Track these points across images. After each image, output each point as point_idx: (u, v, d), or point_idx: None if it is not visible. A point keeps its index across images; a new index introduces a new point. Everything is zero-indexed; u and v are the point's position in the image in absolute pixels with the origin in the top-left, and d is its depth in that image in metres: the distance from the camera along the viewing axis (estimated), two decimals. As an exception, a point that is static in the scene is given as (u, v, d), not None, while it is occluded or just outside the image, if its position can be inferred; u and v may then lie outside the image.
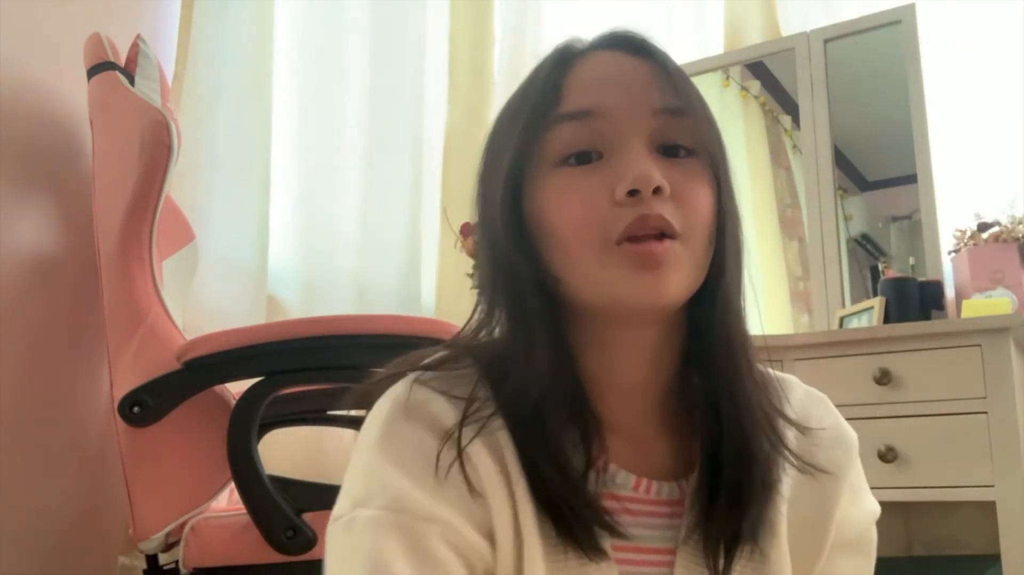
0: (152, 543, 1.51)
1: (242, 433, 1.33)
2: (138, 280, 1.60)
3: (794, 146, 2.37)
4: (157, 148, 1.63)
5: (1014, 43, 2.10)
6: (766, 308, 2.45)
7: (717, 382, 0.63)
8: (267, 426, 1.51)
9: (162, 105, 1.70)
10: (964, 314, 1.78)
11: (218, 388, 1.48)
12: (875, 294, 2.02)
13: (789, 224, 2.41)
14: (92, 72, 1.78)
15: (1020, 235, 1.96)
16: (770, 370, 0.69)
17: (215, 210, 2.13)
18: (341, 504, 0.60)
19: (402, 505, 0.57)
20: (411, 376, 0.63)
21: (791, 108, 2.33)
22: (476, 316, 0.66)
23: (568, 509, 0.58)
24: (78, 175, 1.90)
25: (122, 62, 1.79)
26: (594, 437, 0.61)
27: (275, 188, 2.24)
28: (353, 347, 1.32)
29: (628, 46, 0.66)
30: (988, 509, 1.57)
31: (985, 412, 1.58)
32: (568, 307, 0.63)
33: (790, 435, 0.65)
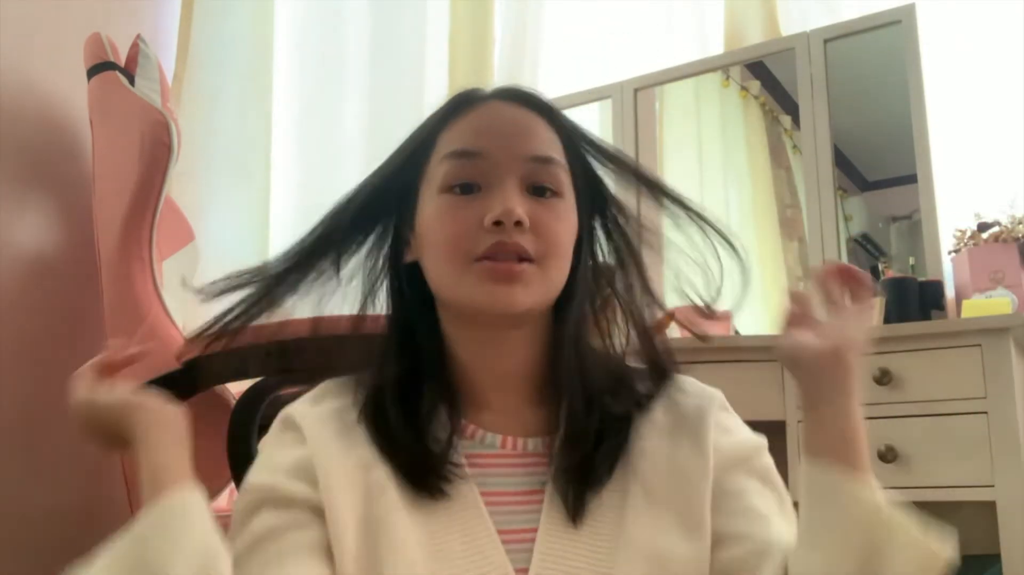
0: (152, 543, 1.50)
1: (242, 433, 1.33)
2: (138, 280, 1.61)
3: (794, 146, 2.37)
4: (157, 148, 1.63)
5: (1014, 43, 2.10)
6: (766, 308, 2.45)
7: (569, 368, 0.80)
8: (267, 426, 1.51)
9: (162, 105, 1.70)
10: (964, 314, 1.78)
11: (218, 388, 1.48)
12: (875, 294, 2.02)
13: (789, 224, 2.41)
14: (92, 72, 1.79)
15: (1020, 235, 1.96)
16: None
17: (215, 210, 2.13)
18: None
19: (245, 487, 0.75)
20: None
21: (791, 108, 2.33)
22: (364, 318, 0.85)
23: (410, 449, 0.74)
24: (78, 175, 1.90)
25: (122, 62, 1.79)
26: (461, 411, 0.78)
27: (275, 188, 2.24)
28: (353, 347, 1.32)
29: (517, 98, 0.81)
30: (988, 509, 1.57)
31: (985, 412, 1.58)
32: (450, 311, 0.80)
33: (655, 407, 0.81)
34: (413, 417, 0.76)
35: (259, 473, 0.76)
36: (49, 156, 1.88)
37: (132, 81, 1.74)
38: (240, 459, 1.32)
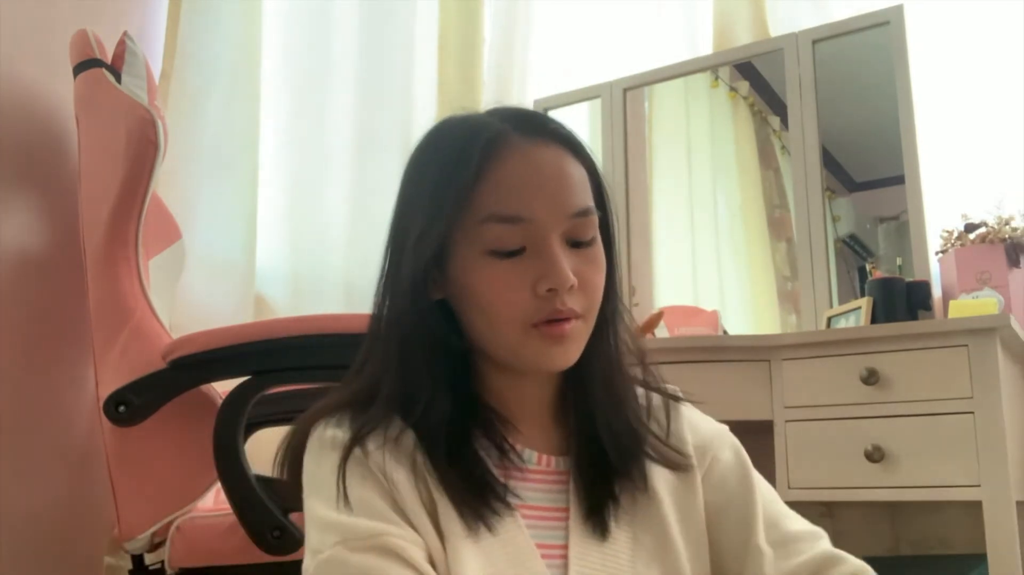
0: (138, 543, 1.50)
1: (229, 432, 1.32)
2: (124, 279, 1.59)
3: (782, 147, 2.38)
4: (144, 146, 1.62)
5: (1002, 44, 2.11)
6: (754, 308, 2.46)
7: (592, 396, 0.83)
8: (254, 426, 1.50)
9: (149, 103, 1.69)
10: (951, 314, 1.79)
11: (204, 387, 1.48)
12: (863, 294, 2.03)
13: (777, 225, 2.41)
14: (78, 69, 1.77)
15: (1007, 236, 1.97)
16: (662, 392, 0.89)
17: (202, 208, 2.11)
18: (307, 551, 0.74)
19: (349, 535, 0.71)
20: (322, 422, 0.79)
21: (779, 109, 2.34)
22: (372, 362, 0.81)
23: (468, 487, 0.75)
24: (64, 173, 1.89)
25: (109, 59, 1.77)
26: (506, 435, 0.80)
27: (263, 186, 2.23)
28: (341, 346, 1.31)
29: (547, 135, 0.80)
30: (974, 509, 1.58)
31: (972, 412, 1.59)
32: (484, 357, 0.81)
33: (655, 429, 0.86)
34: (466, 447, 0.78)
35: (345, 514, 0.74)
36: (34, 154, 1.86)
37: (119, 78, 1.73)
38: (226, 458, 1.32)
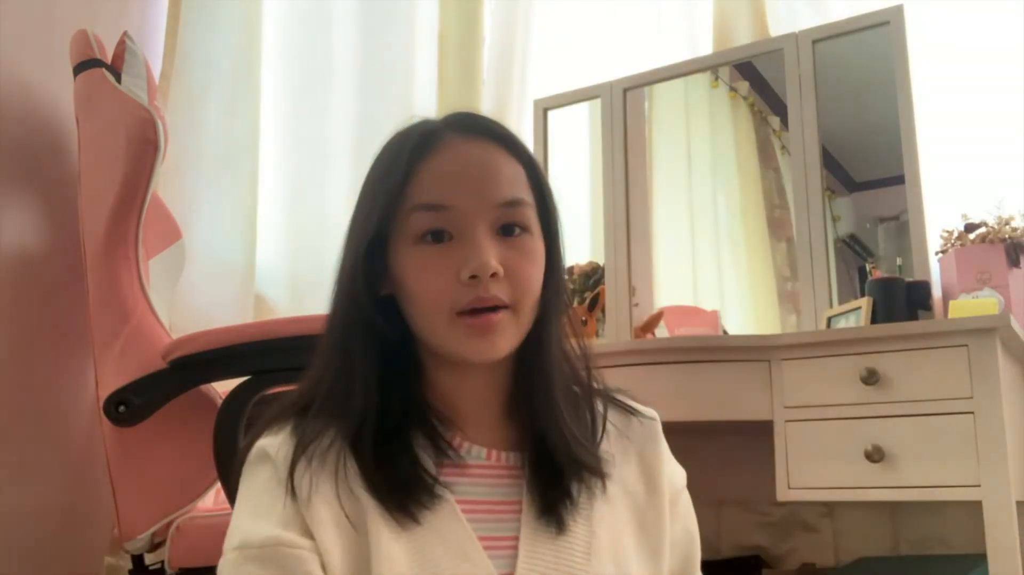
0: (138, 543, 1.50)
1: (228, 433, 1.33)
2: (124, 279, 1.60)
3: (782, 147, 2.38)
4: (143, 146, 1.62)
5: (1002, 44, 2.11)
6: (754, 308, 2.46)
7: (537, 396, 0.84)
8: (253, 426, 1.50)
9: (149, 102, 1.69)
10: (951, 314, 1.79)
11: (204, 387, 1.48)
12: (862, 294, 2.02)
13: (777, 225, 2.41)
14: (78, 69, 1.77)
15: (1007, 236, 1.97)
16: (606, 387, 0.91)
17: (202, 208, 2.12)
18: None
19: (245, 541, 0.74)
20: (265, 432, 0.81)
21: (779, 109, 2.34)
22: (318, 361, 0.83)
23: (393, 484, 0.76)
24: (64, 173, 1.89)
25: (109, 59, 1.78)
26: (445, 433, 0.82)
27: (263, 186, 2.23)
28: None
29: (478, 131, 0.82)
30: (974, 509, 1.57)
31: (972, 412, 1.59)
32: (429, 347, 0.82)
33: (608, 424, 0.88)
34: (397, 444, 0.79)
35: (250, 520, 0.76)
36: (35, 153, 1.86)
37: (118, 78, 1.73)
38: (226, 458, 1.32)
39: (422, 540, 0.75)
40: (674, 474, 0.91)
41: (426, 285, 0.78)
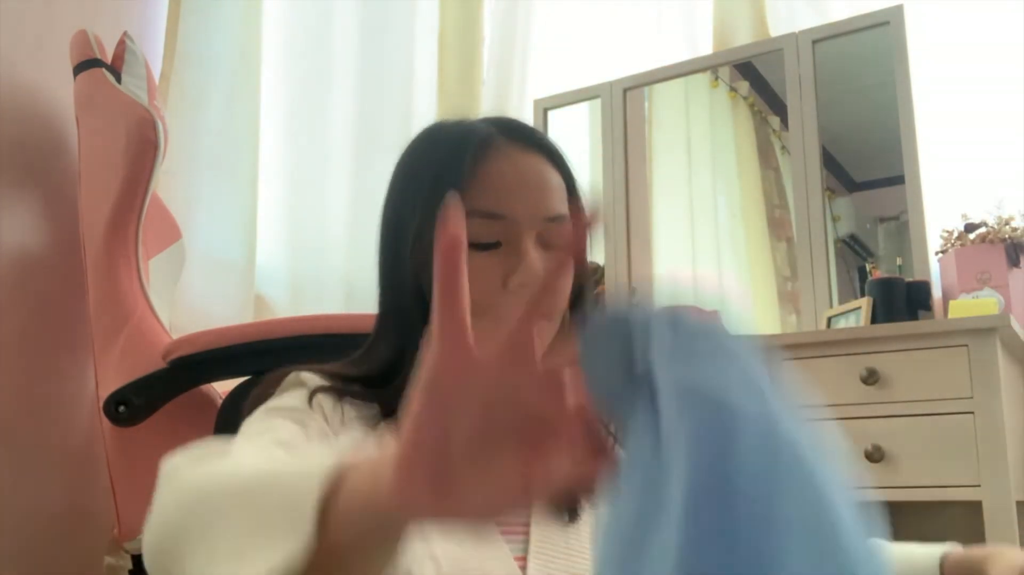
0: (138, 543, 1.50)
1: (228, 433, 1.32)
2: (124, 279, 1.60)
3: (782, 147, 2.38)
4: (143, 146, 1.62)
5: (1002, 44, 2.11)
6: (754, 308, 2.46)
7: None
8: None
9: (149, 102, 1.69)
10: (951, 314, 1.79)
11: (204, 387, 1.48)
12: (863, 294, 2.02)
13: (777, 225, 2.41)
14: (78, 69, 1.77)
15: (1007, 236, 1.97)
16: None
17: (202, 208, 2.11)
18: None
19: (269, 407, 0.78)
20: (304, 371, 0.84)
21: (779, 109, 2.34)
22: (370, 352, 0.86)
23: None
24: (64, 173, 1.89)
25: (109, 59, 1.78)
26: None
27: (263, 186, 2.23)
28: (341, 346, 1.31)
29: (531, 142, 0.85)
30: (974, 509, 1.58)
31: (972, 412, 1.59)
32: None
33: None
34: None
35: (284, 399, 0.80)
36: (35, 153, 1.86)
37: (118, 78, 1.73)
38: (226, 459, 1.32)
39: None
40: None
41: (473, 287, 0.79)
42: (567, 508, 0.82)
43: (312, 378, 0.82)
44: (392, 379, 0.82)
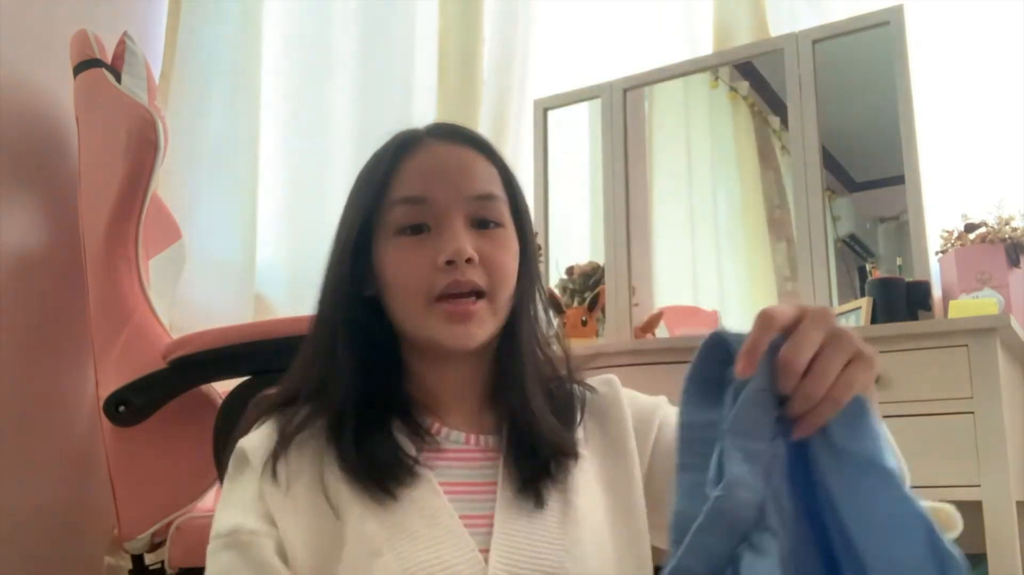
0: (138, 543, 1.50)
1: (228, 433, 1.32)
2: (124, 279, 1.60)
3: (782, 147, 2.37)
4: (144, 146, 1.62)
5: (1002, 45, 2.11)
6: (754, 308, 2.45)
7: (511, 384, 0.88)
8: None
9: (149, 103, 1.69)
10: (951, 315, 1.79)
11: (204, 387, 1.48)
12: (863, 294, 2.02)
13: (777, 225, 2.41)
14: (78, 69, 1.78)
15: (1007, 236, 1.96)
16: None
17: (202, 208, 2.12)
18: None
19: (217, 531, 0.79)
20: (249, 430, 0.86)
21: (780, 109, 2.34)
22: (302, 357, 0.88)
23: (372, 464, 0.80)
24: (64, 173, 1.89)
25: (109, 59, 1.78)
26: (423, 419, 0.86)
27: (263, 186, 2.23)
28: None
29: (455, 137, 0.89)
30: (974, 509, 1.57)
31: (972, 412, 1.59)
32: (409, 340, 0.87)
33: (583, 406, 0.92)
34: (376, 431, 0.83)
35: (223, 512, 0.81)
36: (35, 154, 1.86)
37: (118, 78, 1.73)
38: (226, 459, 1.32)
39: (399, 514, 0.78)
40: (644, 409, 0.92)
41: (405, 271, 0.83)
42: (532, 494, 0.82)
43: (255, 448, 0.83)
44: (328, 387, 0.84)
